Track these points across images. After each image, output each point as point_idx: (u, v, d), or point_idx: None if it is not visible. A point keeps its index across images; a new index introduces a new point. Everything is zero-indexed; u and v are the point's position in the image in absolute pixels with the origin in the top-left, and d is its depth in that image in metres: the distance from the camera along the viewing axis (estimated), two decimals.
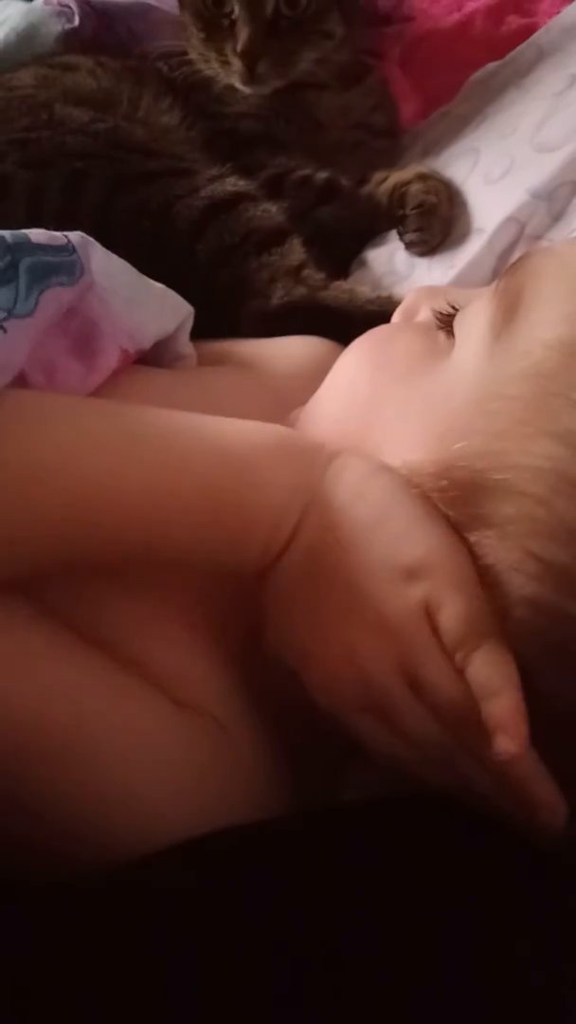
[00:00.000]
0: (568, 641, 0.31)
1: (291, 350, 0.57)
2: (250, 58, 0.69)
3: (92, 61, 0.73)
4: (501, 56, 0.84)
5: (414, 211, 0.66)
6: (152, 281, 0.49)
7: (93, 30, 0.83)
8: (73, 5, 0.84)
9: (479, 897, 0.31)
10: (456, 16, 0.93)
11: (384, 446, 0.37)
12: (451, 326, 0.39)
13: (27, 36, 0.79)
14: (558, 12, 0.86)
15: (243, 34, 0.69)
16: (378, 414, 0.39)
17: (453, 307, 0.40)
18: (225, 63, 0.71)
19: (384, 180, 0.70)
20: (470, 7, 0.94)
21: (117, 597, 0.38)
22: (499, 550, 0.32)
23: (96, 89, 0.70)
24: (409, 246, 0.67)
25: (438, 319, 0.41)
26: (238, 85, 0.71)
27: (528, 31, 0.86)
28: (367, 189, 0.70)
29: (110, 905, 0.30)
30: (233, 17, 0.69)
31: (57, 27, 0.82)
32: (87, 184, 0.61)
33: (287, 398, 0.45)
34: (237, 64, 0.69)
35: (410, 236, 0.67)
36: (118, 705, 0.34)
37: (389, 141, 0.79)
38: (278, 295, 0.59)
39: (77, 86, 0.70)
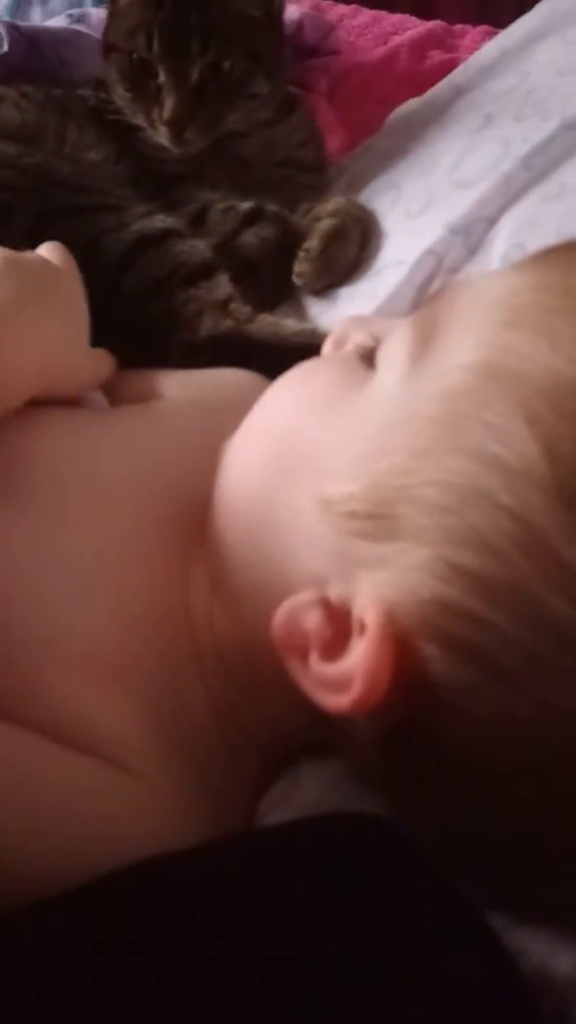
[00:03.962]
0: (472, 640, 0.32)
1: (217, 383, 0.58)
2: (177, 127, 0.69)
3: (16, 92, 0.73)
4: (424, 90, 0.86)
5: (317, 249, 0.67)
6: None
7: (22, 56, 0.84)
8: (2, 31, 0.84)
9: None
10: (381, 50, 0.96)
11: (308, 477, 0.38)
12: (373, 358, 0.41)
13: None
14: (479, 47, 0.90)
15: (169, 103, 0.68)
16: (302, 446, 0.40)
17: (376, 339, 0.42)
18: (152, 125, 0.70)
19: (308, 212, 0.71)
20: (395, 41, 0.97)
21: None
22: (414, 557, 0.33)
23: (21, 124, 0.70)
24: (296, 277, 0.69)
25: (360, 353, 0.43)
26: (166, 145, 0.71)
27: (450, 66, 0.89)
28: (293, 220, 0.72)
29: None
30: (159, 83, 0.69)
31: None
32: (15, 216, 0.61)
33: (214, 430, 0.46)
34: (164, 130, 0.69)
35: (298, 269, 0.68)
36: None
37: (317, 176, 0.80)
38: (206, 327, 0.60)
39: (2, 120, 0.69)
